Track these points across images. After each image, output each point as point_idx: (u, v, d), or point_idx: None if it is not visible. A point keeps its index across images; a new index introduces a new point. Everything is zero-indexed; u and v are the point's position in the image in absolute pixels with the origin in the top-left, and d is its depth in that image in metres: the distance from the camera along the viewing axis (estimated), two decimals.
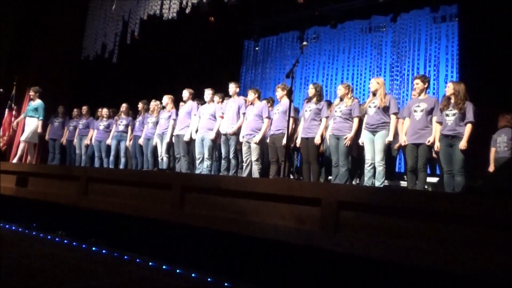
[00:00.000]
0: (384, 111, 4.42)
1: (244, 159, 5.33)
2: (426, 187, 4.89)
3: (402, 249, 2.32)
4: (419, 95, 4.46)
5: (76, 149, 7.40)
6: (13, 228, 4.39)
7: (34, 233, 4.21)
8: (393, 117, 4.41)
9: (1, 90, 6.66)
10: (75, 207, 4.23)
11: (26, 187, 4.66)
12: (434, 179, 5.16)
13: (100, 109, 7.31)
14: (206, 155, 5.51)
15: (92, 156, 7.24)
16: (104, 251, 3.55)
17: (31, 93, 6.77)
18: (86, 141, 7.26)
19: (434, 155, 4.44)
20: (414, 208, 2.36)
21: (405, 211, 2.39)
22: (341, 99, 4.82)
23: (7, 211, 4.96)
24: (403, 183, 4.89)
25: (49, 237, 4.03)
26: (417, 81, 4.45)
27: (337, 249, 2.55)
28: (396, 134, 4.53)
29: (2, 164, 5.88)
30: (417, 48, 7.72)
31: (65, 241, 3.89)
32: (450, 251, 2.19)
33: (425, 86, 4.47)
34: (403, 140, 4.39)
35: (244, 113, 5.43)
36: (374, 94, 4.53)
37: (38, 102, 6.79)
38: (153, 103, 6.47)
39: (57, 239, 3.98)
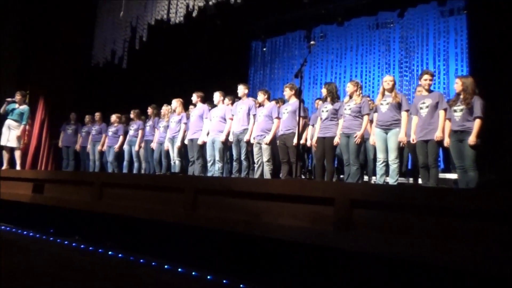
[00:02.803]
0: (396, 108, 4.41)
1: (256, 160, 5.35)
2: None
3: (416, 246, 2.31)
4: (428, 91, 4.43)
5: (90, 155, 7.51)
6: (31, 234, 4.47)
7: (51, 238, 4.28)
8: (404, 114, 4.39)
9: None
10: (90, 212, 4.30)
11: (42, 193, 4.75)
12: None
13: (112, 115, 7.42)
14: (217, 158, 5.54)
15: (106, 161, 7.35)
16: (120, 255, 3.59)
17: (18, 97, 6.71)
18: (99, 147, 7.36)
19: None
20: (428, 205, 2.36)
21: (419, 208, 2.38)
22: (350, 97, 4.81)
23: (25, 217, 5.06)
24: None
25: (65, 242, 4.10)
26: (429, 76, 4.40)
27: (350, 248, 2.55)
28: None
29: (19, 172, 6.00)
30: (426, 43, 7.67)
31: (82, 246, 3.95)
32: (466, 248, 2.18)
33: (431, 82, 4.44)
34: (412, 137, 4.37)
35: (254, 115, 5.45)
36: (385, 92, 4.50)
37: (24, 107, 6.76)
38: (165, 108, 6.54)
39: (73, 244, 4.05)
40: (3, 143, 6.55)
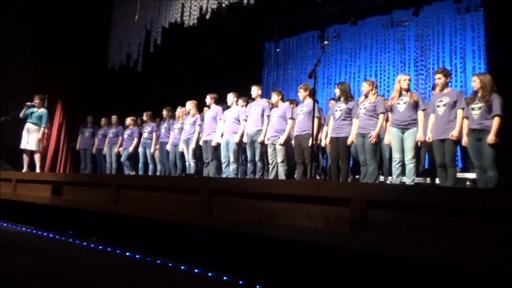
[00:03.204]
0: (414, 107, 4.36)
1: (270, 161, 5.35)
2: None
3: (435, 248, 2.28)
4: (442, 90, 4.36)
5: (106, 157, 7.63)
6: (51, 235, 4.56)
7: (70, 240, 4.36)
8: (421, 113, 4.34)
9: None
10: (107, 213, 4.36)
11: (61, 195, 4.84)
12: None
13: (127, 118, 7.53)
14: (231, 159, 5.56)
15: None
16: (137, 256, 3.64)
17: (36, 101, 6.88)
18: (116, 149, 7.47)
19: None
20: (446, 206, 2.32)
21: (436, 209, 2.34)
22: (366, 96, 4.77)
23: (44, 219, 5.17)
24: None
25: (84, 243, 4.17)
26: (439, 75, 4.34)
27: (367, 249, 2.53)
28: None
29: (39, 175, 6.14)
30: (442, 41, 7.55)
31: (100, 247, 4.01)
32: (486, 250, 2.14)
33: (447, 80, 4.37)
34: (428, 136, 4.31)
35: (268, 116, 5.45)
36: (402, 92, 4.45)
37: (43, 111, 6.93)
38: (179, 110, 6.60)
39: (92, 245, 4.11)
40: (22, 146, 6.71)
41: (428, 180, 5.30)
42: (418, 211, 2.41)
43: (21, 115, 6.81)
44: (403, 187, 3.54)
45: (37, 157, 6.87)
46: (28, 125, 6.74)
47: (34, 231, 4.84)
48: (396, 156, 4.38)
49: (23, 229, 5.02)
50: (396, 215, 2.48)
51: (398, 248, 2.40)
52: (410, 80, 4.51)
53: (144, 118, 7.25)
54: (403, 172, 4.35)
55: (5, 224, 5.35)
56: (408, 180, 4.24)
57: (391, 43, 8.22)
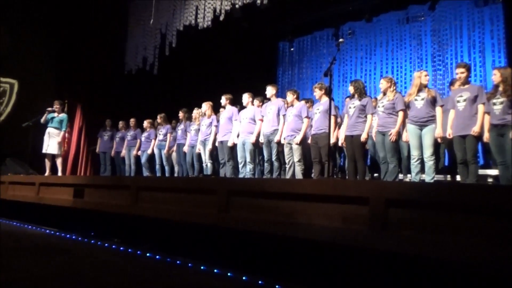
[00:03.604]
0: (432, 103, 4.29)
1: (287, 161, 5.34)
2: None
3: (457, 247, 2.24)
4: (463, 84, 4.28)
5: (125, 160, 7.76)
6: (73, 237, 4.67)
7: (92, 241, 4.45)
8: (439, 109, 4.26)
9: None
10: (127, 215, 4.43)
11: (83, 198, 4.94)
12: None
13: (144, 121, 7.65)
14: (248, 159, 5.58)
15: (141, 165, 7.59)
16: (157, 256, 3.69)
17: (56, 106, 7.06)
18: (135, 152, 7.59)
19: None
20: (468, 203, 2.28)
21: (458, 207, 2.30)
22: (384, 94, 4.71)
23: (67, 221, 5.29)
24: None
25: (106, 244, 4.24)
26: (462, 69, 4.25)
27: (386, 248, 2.51)
28: None
29: (61, 178, 6.29)
30: (459, 35, 7.41)
31: (121, 248, 4.08)
32: (509, 249, 2.09)
33: (469, 74, 4.29)
34: (448, 132, 4.23)
35: (284, 115, 5.45)
36: (420, 90, 4.38)
37: (63, 115, 7.12)
38: (196, 111, 6.66)
39: (113, 246, 4.19)
40: (44, 151, 6.89)
41: (449, 177, 5.21)
42: (439, 209, 2.37)
43: (42, 120, 6.99)
44: (423, 185, 3.50)
45: (59, 161, 7.04)
46: (49, 130, 6.92)
47: (57, 233, 4.96)
48: (414, 153, 4.32)
49: (47, 231, 5.15)
50: (416, 214, 2.45)
51: (418, 247, 2.37)
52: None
53: (159, 120, 7.34)
54: (422, 170, 4.28)
55: (30, 227, 5.49)
56: (427, 177, 4.18)
57: (407, 39, 8.11)
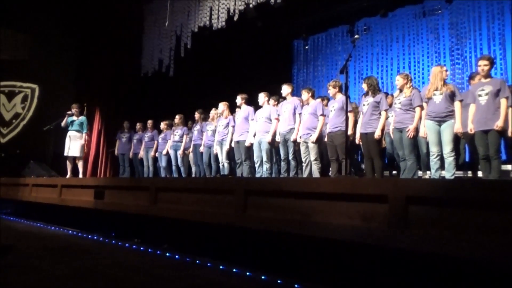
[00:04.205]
0: (450, 98, 4.20)
1: (303, 159, 5.32)
2: None
3: (478, 245, 2.19)
4: (485, 78, 4.18)
5: (143, 161, 7.87)
6: (95, 237, 4.76)
7: (113, 241, 4.53)
8: (458, 104, 4.17)
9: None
10: (147, 216, 4.50)
11: (103, 199, 5.04)
12: None
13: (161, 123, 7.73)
14: (264, 158, 5.57)
15: (159, 166, 7.68)
16: (176, 256, 3.73)
17: (75, 110, 7.19)
18: (152, 153, 7.69)
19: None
20: (490, 200, 2.23)
21: (480, 204, 2.26)
22: (400, 90, 4.64)
23: (88, 222, 5.40)
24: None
25: (126, 245, 4.31)
26: (485, 62, 4.13)
27: (407, 246, 2.47)
28: None
29: (82, 180, 6.42)
30: (478, 27, 7.23)
31: (141, 248, 4.14)
32: None
33: (491, 67, 4.18)
34: (469, 127, 4.14)
35: (300, 114, 5.43)
36: (439, 85, 4.29)
37: (82, 118, 7.26)
38: (213, 112, 6.70)
39: (133, 246, 4.25)
40: (66, 153, 7.05)
41: (469, 173, 5.10)
42: (461, 206, 2.33)
43: (62, 124, 7.15)
44: (444, 181, 3.43)
45: (80, 163, 7.19)
46: (70, 133, 7.08)
47: (79, 234, 5.07)
48: (433, 149, 4.24)
49: (69, 232, 5.26)
50: (437, 211, 2.41)
51: (439, 246, 2.33)
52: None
53: (176, 121, 7.41)
54: (442, 166, 4.20)
55: (53, 228, 5.63)
56: (448, 174, 4.09)
57: (424, 33, 7.97)
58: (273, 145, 5.65)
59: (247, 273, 3.10)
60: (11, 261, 3.26)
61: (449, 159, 4.10)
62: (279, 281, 2.90)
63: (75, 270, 3.08)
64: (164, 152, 7.36)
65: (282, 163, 5.57)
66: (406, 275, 2.60)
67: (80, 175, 7.18)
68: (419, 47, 8.02)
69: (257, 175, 5.61)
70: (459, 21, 7.47)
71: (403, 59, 8.22)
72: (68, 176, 7.05)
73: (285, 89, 5.65)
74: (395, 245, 2.52)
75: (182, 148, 7.14)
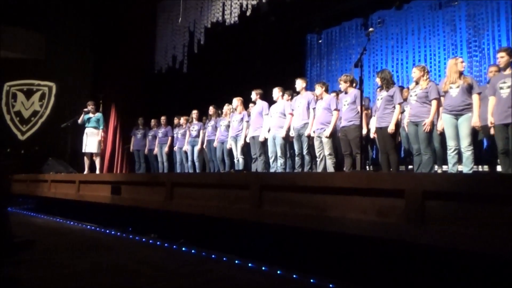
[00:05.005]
0: (468, 91, 4.12)
1: (317, 154, 5.31)
2: None
3: (498, 240, 2.16)
4: (505, 70, 4.09)
5: (158, 157, 7.95)
6: (112, 232, 4.84)
7: (130, 236, 4.60)
8: (476, 97, 4.09)
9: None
10: (163, 211, 4.55)
11: (120, 195, 5.11)
12: None
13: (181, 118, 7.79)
14: (279, 154, 5.58)
15: (175, 162, 7.76)
16: (193, 251, 3.77)
17: (91, 107, 7.33)
18: (166, 149, 7.76)
19: None
20: (509, 194, 2.19)
21: (500, 199, 2.22)
22: (417, 83, 4.57)
23: (106, 217, 5.50)
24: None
25: (143, 239, 4.38)
26: (502, 54, 4.05)
27: (424, 242, 2.45)
28: None
29: (99, 176, 6.53)
30: (497, 18, 7.05)
31: (158, 242, 4.20)
32: None
33: (511, 59, 4.08)
34: (489, 120, 4.06)
35: (314, 108, 5.40)
36: (455, 77, 4.21)
37: (98, 114, 7.41)
38: (226, 107, 6.72)
39: (150, 241, 4.31)
40: (83, 150, 7.19)
41: (486, 167, 5.00)
42: (480, 201, 2.29)
43: (79, 121, 7.28)
44: (462, 176, 3.38)
45: (97, 159, 7.32)
46: (87, 130, 7.21)
47: (97, 229, 5.16)
48: (451, 144, 4.17)
49: (88, 227, 5.37)
50: (455, 206, 2.38)
51: (458, 241, 2.31)
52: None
53: (193, 116, 7.46)
54: (459, 161, 4.14)
55: (71, 223, 5.75)
56: (465, 168, 4.03)
57: (440, 25, 7.82)
58: (287, 140, 5.65)
59: (263, 268, 3.12)
60: (33, 256, 3.35)
61: (467, 153, 4.04)
62: (294, 276, 2.91)
63: (94, 264, 3.15)
64: (185, 148, 7.41)
65: (296, 158, 5.56)
66: (424, 270, 2.59)
67: (97, 171, 7.30)
68: (435, 39, 7.87)
69: (271, 170, 5.61)
70: (476, 12, 7.30)
71: (419, 52, 8.08)
72: (85, 172, 7.18)
73: (299, 84, 5.63)
74: (412, 241, 2.50)
75: (199, 144, 7.19)
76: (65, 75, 10.44)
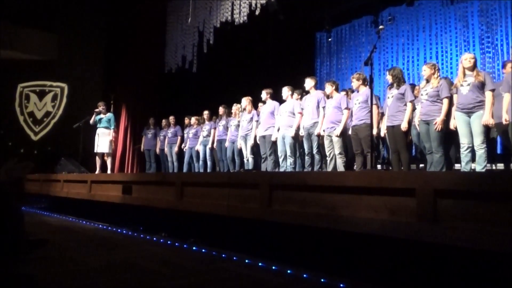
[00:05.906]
0: (480, 88, 4.05)
1: (327, 153, 5.28)
2: None
3: (510, 238, 2.13)
4: None
5: (168, 157, 8.00)
6: (124, 231, 4.89)
7: (141, 235, 4.64)
8: (489, 94, 4.02)
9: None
10: (173, 210, 4.58)
11: (131, 194, 5.16)
12: None
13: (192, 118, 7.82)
14: (288, 153, 5.56)
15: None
16: (203, 250, 3.78)
17: (102, 107, 7.40)
18: (176, 148, 7.81)
19: None
20: None
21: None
22: (427, 81, 4.52)
23: (117, 216, 5.56)
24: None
25: (154, 238, 4.41)
26: None
27: (437, 241, 2.42)
28: None
29: (110, 176, 6.60)
30: (510, 13, 6.93)
31: (168, 242, 4.22)
32: None
33: None
34: (504, 117, 3.99)
35: (324, 107, 5.38)
36: (465, 72, 4.15)
37: (109, 114, 7.49)
38: (235, 107, 6.73)
39: (161, 240, 4.34)
40: (95, 150, 7.28)
41: (501, 166, 4.92)
42: (492, 199, 2.26)
43: (91, 121, 7.37)
44: (475, 174, 3.33)
45: (109, 159, 7.40)
46: (98, 130, 7.30)
47: (109, 228, 5.21)
48: (464, 142, 4.11)
49: (100, 226, 5.43)
50: (467, 205, 2.35)
51: (471, 240, 2.28)
52: (474, 58, 4.17)
53: (205, 117, 7.49)
54: (473, 159, 4.08)
55: (84, 222, 5.82)
56: (478, 167, 3.97)
57: (452, 22, 7.72)
58: (296, 139, 5.63)
59: (273, 267, 3.12)
60: (48, 254, 3.39)
61: (480, 152, 3.98)
62: (305, 275, 2.90)
63: (108, 262, 3.19)
64: (197, 147, 7.43)
65: (306, 157, 5.54)
66: (437, 269, 2.56)
67: (108, 171, 7.38)
68: (447, 36, 7.77)
69: (281, 170, 5.60)
70: (489, 8, 7.19)
71: (430, 49, 7.99)
72: (97, 172, 7.26)
73: (309, 83, 5.61)
74: (424, 239, 2.47)
75: (210, 143, 7.22)
76: (77, 76, 10.57)
